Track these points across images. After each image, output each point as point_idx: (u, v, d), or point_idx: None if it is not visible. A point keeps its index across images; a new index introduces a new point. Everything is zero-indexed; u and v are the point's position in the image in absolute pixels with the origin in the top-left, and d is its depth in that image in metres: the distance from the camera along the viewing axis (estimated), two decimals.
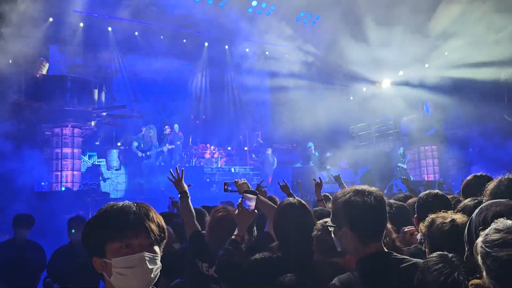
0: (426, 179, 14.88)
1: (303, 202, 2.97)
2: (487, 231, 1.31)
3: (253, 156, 16.43)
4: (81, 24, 14.84)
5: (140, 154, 12.90)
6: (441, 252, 1.83)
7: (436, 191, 3.02)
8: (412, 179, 14.42)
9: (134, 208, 1.46)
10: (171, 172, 3.41)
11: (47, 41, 13.88)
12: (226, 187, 3.43)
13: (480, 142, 14.67)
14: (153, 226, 1.46)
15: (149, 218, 1.46)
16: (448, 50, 15.93)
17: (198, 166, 14.72)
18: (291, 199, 2.89)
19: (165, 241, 1.52)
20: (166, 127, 14.63)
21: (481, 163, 13.63)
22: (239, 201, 2.83)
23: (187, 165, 14.40)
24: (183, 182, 3.41)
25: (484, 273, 1.28)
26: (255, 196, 2.84)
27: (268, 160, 15.44)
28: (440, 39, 15.42)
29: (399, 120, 16.68)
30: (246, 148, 17.02)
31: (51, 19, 13.79)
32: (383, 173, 14.73)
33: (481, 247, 1.29)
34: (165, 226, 1.53)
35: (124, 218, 1.43)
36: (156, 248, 1.48)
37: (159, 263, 1.47)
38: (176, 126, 14.99)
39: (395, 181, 13.19)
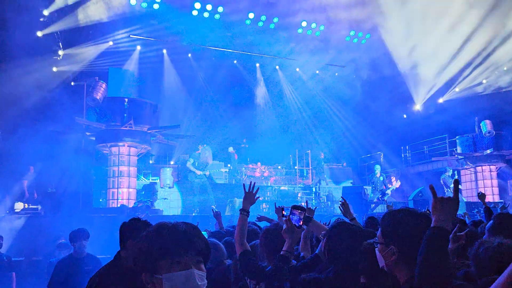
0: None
1: (356, 223, 3.00)
2: None
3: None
4: (138, 47, 15.57)
5: (198, 172, 13.00)
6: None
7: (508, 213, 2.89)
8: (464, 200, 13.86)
9: (184, 227, 1.57)
10: (249, 183, 3.37)
11: (106, 64, 14.68)
12: (283, 213, 3.19)
13: None
14: (201, 245, 1.56)
15: (197, 237, 1.56)
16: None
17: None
18: (343, 220, 2.91)
19: (209, 259, 1.61)
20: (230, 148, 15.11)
21: None
22: (287, 216, 2.85)
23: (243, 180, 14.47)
24: (253, 196, 3.31)
25: None
26: (303, 212, 2.86)
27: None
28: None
29: (454, 139, 16.15)
30: (296, 167, 17.02)
31: (111, 43, 14.61)
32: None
33: None
34: (210, 245, 1.62)
35: (174, 237, 1.53)
36: (203, 266, 1.57)
37: (205, 280, 1.56)
38: (230, 148, 15.29)
39: None
